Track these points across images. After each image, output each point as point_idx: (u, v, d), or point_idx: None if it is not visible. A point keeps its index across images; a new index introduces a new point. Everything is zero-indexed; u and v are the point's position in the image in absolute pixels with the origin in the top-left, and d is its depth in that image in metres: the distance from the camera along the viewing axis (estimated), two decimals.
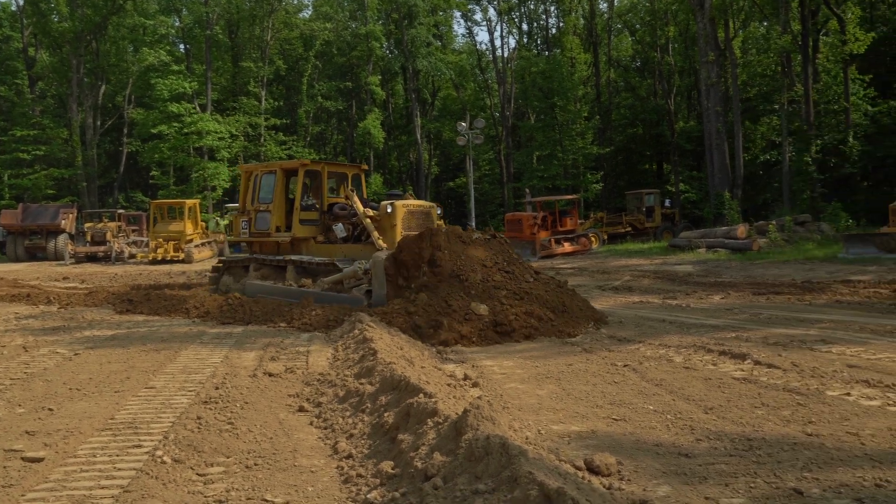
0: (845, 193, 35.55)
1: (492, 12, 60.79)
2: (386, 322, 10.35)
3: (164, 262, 31.88)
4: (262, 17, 55.49)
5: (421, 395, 5.25)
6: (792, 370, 7.50)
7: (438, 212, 15.13)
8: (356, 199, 14.47)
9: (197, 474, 4.83)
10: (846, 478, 4.42)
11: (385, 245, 13.46)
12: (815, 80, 37.03)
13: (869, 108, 37.66)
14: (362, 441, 5.34)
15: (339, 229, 14.62)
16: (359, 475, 4.67)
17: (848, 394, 6.51)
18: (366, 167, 17.34)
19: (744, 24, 47.97)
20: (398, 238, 13.32)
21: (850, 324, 10.56)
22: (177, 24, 57.42)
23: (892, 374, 7.18)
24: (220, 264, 17.11)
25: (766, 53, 46.27)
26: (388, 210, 14.09)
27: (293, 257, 14.84)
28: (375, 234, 13.74)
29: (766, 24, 46.77)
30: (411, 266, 11.65)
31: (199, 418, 6.09)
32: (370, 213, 14.24)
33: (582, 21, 57.19)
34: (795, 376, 7.25)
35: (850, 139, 35.81)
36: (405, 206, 14.25)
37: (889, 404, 6.13)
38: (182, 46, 60.40)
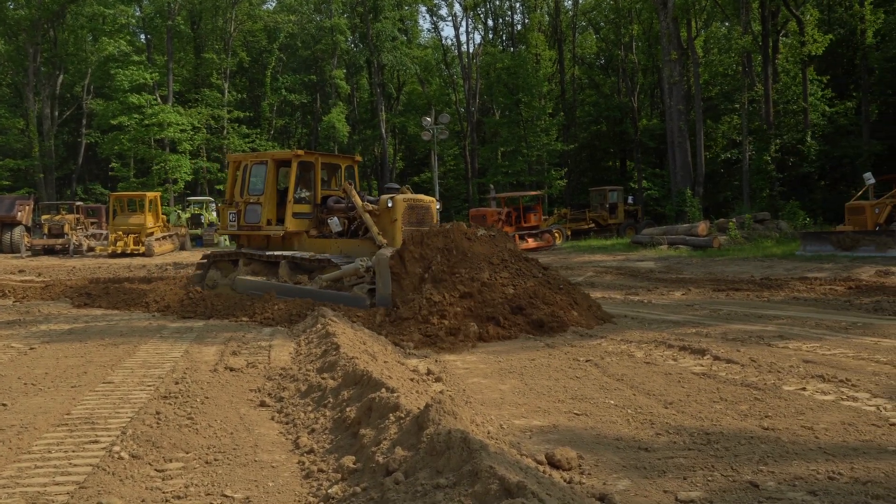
0: (803, 192, 36.21)
1: (457, 8, 60.99)
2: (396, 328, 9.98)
3: (123, 255, 31.39)
4: (226, 9, 54.79)
5: (383, 390, 5.24)
6: (750, 365, 7.62)
7: (438, 206, 14.49)
8: (354, 192, 13.81)
9: (155, 470, 4.77)
10: (801, 471, 4.51)
11: (385, 241, 12.79)
12: (774, 81, 37.64)
13: (826, 108, 38.39)
14: (324, 436, 5.31)
15: (335, 223, 13.92)
16: (320, 470, 4.65)
17: (803, 388, 6.63)
18: (359, 158, 16.66)
19: (706, 24, 48.64)
20: (399, 234, 12.86)
21: (806, 320, 10.77)
22: (138, 13, 56.44)
23: (846, 370, 7.33)
24: (206, 258, 16.34)
25: (727, 53, 47.00)
26: (389, 204, 13.30)
27: (287, 253, 14.13)
28: (375, 229, 12.99)
29: (727, 24, 47.46)
30: (418, 265, 11.16)
31: (158, 413, 6.00)
32: (369, 207, 13.49)
33: (547, 18, 57.49)
34: (753, 371, 7.36)
35: (808, 139, 36.47)
36: (406, 201, 13.48)
37: (843, 399, 6.25)
38: (143, 37, 59.44)
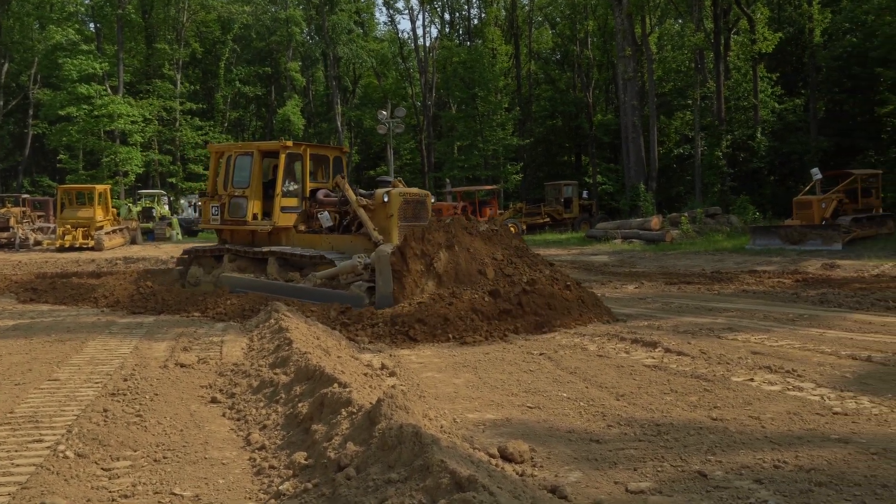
0: (753, 187, 36.89)
1: (414, 1, 60.57)
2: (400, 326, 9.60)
3: (72, 249, 30.67)
4: None
5: (335, 385, 5.21)
6: (700, 357, 7.74)
7: (432, 200, 13.90)
8: (347, 185, 13.12)
9: (102, 469, 4.66)
10: (747, 460, 4.59)
11: (381, 237, 12.16)
12: (726, 77, 38.27)
13: (776, 105, 39.20)
14: (276, 432, 5.26)
15: (325, 218, 13.29)
16: (271, 466, 4.60)
17: (751, 379, 6.76)
18: (346, 150, 15.99)
19: (660, 21, 49.24)
20: (395, 229, 12.42)
21: (755, 312, 10.99)
22: (86, 1, 55.18)
23: (793, 361, 7.49)
24: (187, 254, 15.56)
25: (680, 50, 47.62)
26: (385, 199, 12.69)
27: (276, 248, 13.52)
28: (371, 225, 12.35)
29: (680, 21, 48.09)
30: (420, 262, 10.70)
31: (105, 411, 5.87)
32: (363, 201, 12.82)
33: (503, 13, 57.60)
34: (703, 363, 7.49)
35: (758, 135, 37.19)
36: (402, 195, 12.88)
37: (789, 389, 6.39)
38: (92, 25, 58.04)
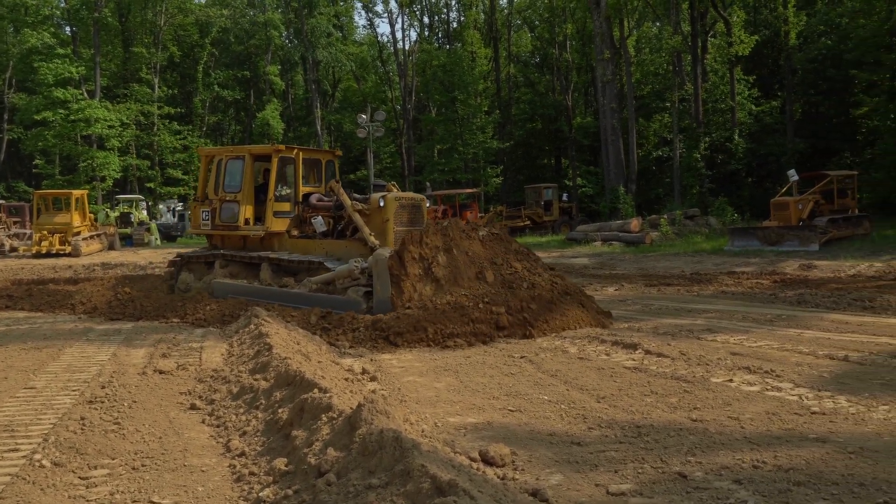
0: (731, 189, 37.19)
1: (393, 4, 60.98)
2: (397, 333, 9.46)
3: (49, 255, 30.35)
4: (155, 1, 53.49)
5: (315, 391, 5.18)
6: (680, 359, 7.78)
7: (427, 205, 13.64)
8: (341, 189, 12.87)
9: (79, 478, 4.61)
10: (727, 460, 4.62)
11: (378, 242, 11.90)
12: (703, 80, 38.57)
13: (753, 107, 39.57)
14: (256, 438, 5.23)
15: (319, 223, 13.02)
16: (251, 473, 4.57)
17: (731, 380, 6.81)
18: (339, 152, 15.63)
19: (638, 24, 49.57)
20: (391, 234, 12.14)
21: (733, 313, 11.07)
22: (62, 4, 54.65)
23: (771, 361, 7.55)
24: (178, 259, 15.14)
25: (658, 53, 48.00)
26: (381, 203, 12.39)
27: (269, 254, 13.21)
28: (367, 230, 12.08)
29: (658, 24, 48.46)
30: (418, 266, 10.49)
31: (82, 419, 5.81)
32: (358, 206, 12.54)
33: (482, 16, 57.74)
34: (683, 364, 7.53)
35: (736, 137, 37.51)
36: (398, 199, 12.63)
37: (767, 389, 6.44)
38: (68, 29, 57.51)
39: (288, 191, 14.18)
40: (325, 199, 13.74)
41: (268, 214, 13.54)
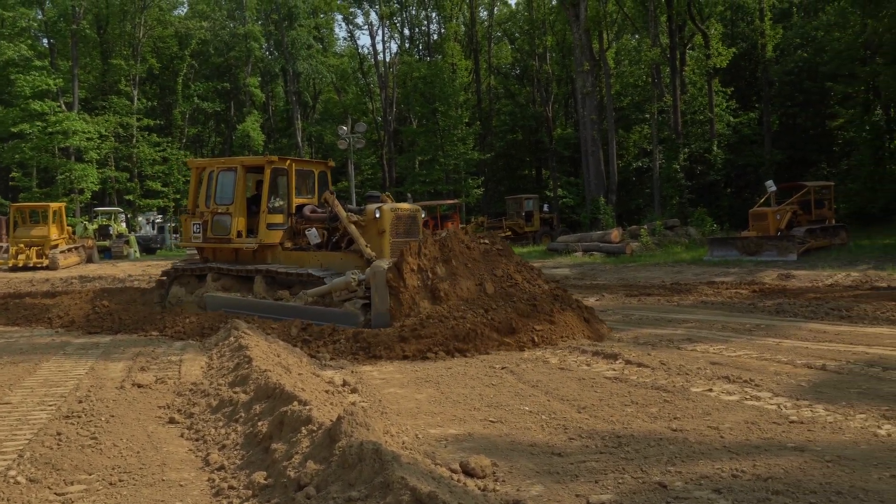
0: (710, 199, 37.55)
1: (373, 16, 60.97)
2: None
3: (26, 268, 30.03)
4: (134, 13, 53.28)
5: (295, 403, 5.15)
6: (660, 368, 7.82)
7: (423, 215, 13.46)
8: (336, 201, 12.63)
9: (55, 494, 4.55)
10: (706, 470, 4.64)
11: (374, 254, 11.69)
12: (682, 92, 38.96)
13: (731, 119, 40.01)
14: (235, 452, 5.18)
15: (313, 235, 12.76)
16: (230, 487, 4.53)
17: (710, 390, 6.84)
18: (332, 163, 15.34)
19: (617, 36, 50.00)
20: (387, 246, 12.01)
21: (713, 323, 11.13)
22: (39, 16, 54.27)
23: (750, 370, 7.61)
24: (167, 273, 14.76)
25: (637, 65, 48.39)
26: (377, 215, 12.23)
27: (264, 266, 12.94)
28: (363, 241, 11.87)
29: (637, 36, 48.88)
30: (416, 277, 10.34)
31: (59, 434, 5.74)
32: (354, 217, 12.32)
33: (463, 28, 58.04)
34: (663, 374, 7.56)
35: (715, 148, 37.88)
36: (393, 211, 12.44)
37: (746, 399, 6.48)
38: (45, 41, 57.11)
39: (281, 202, 13.90)
40: (319, 210, 13.54)
41: (261, 226, 13.28)
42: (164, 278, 14.79)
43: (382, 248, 12.02)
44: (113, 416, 6.38)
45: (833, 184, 28.46)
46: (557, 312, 10.24)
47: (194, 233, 14.08)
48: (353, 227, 12.11)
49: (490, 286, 10.48)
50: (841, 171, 37.87)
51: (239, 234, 13.47)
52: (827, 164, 40.89)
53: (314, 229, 12.91)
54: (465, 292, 10.34)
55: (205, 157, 63.00)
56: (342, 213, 12.31)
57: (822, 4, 41.57)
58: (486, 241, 11.45)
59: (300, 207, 13.71)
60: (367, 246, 11.80)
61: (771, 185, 24.85)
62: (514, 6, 63.07)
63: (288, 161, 13.80)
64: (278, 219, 13.60)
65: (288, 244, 13.45)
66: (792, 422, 5.69)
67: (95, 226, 40.49)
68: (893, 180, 32.17)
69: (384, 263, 10.64)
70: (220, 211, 13.70)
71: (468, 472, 4.63)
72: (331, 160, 15.61)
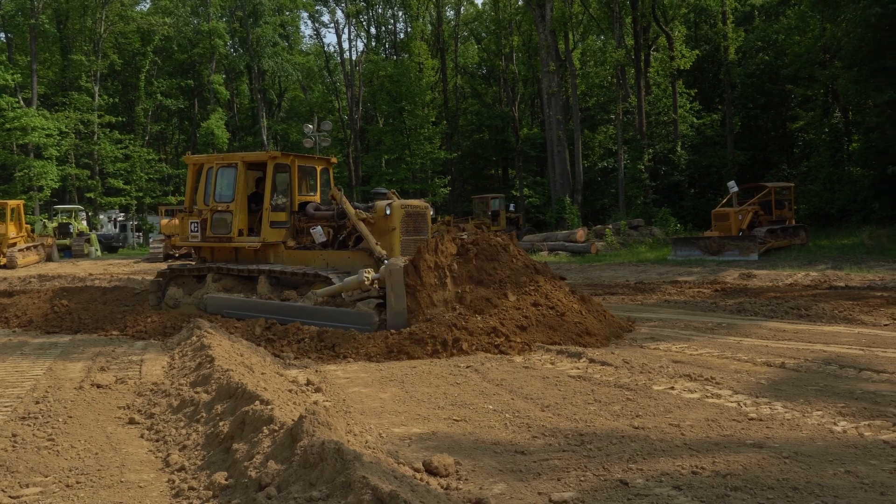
0: (674, 199, 37.98)
1: (339, 14, 60.60)
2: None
3: None
4: (95, 8, 52.39)
5: (257, 403, 5.10)
6: (623, 367, 7.88)
7: (431, 213, 13.10)
8: (344, 198, 12.24)
9: (9, 497, 4.46)
10: (667, 467, 4.69)
11: (384, 252, 11.36)
12: (646, 93, 39.34)
13: (694, 120, 40.52)
14: (196, 452, 5.12)
15: (318, 233, 12.39)
16: (191, 488, 4.48)
17: (672, 388, 6.92)
18: (335, 160, 14.94)
19: (582, 37, 50.34)
20: (397, 244, 11.71)
21: (676, 322, 11.26)
22: None
23: (712, 368, 7.71)
24: (164, 273, 14.13)
25: (602, 66, 48.79)
26: (387, 212, 11.87)
27: (269, 266, 12.45)
28: (373, 239, 11.53)
29: (602, 38, 49.26)
30: (433, 275, 10.05)
31: (14, 436, 5.63)
32: (363, 215, 11.97)
33: (429, 27, 58.03)
34: (626, 372, 7.62)
35: (679, 149, 38.33)
36: (403, 207, 12.09)
37: (707, 396, 6.56)
38: (3, 35, 56.00)
39: (283, 200, 13.44)
40: (323, 207, 13.18)
41: (264, 225, 12.80)
42: (160, 279, 14.16)
43: (392, 245, 11.71)
44: (71, 417, 6.28)
45: (793, 185, 28.95)
46: (575, 310, 10.14)
47: (192, 231, 13.51)
48: (362, 224, 11.78)
49: (510, 287, 10.18)
50: (801, 173, 38.55)
51: (240, 233, 12.99)
52: (787, 166, 41.59)
53: (319, 227, 12.53)
54: (483, 291, 10.08)
55: (165, 154, 62.31)
56: (351, 210, 11.95)
57: (783, 8, 42.24)
58: (502, 239, 11.13)
59: (303, 205, 13.29)
60: (377, 244, 11.49)
61: (733, 186, 25.22)
62: (480, 6, 63.29)
63: (291, 157, 13.40)
64: (281, 217, 13.18)
65: (291, 243, 13.02)
66: (751, 419, 5.77)
67: (55, 224, 39.78)
68: (851, 182, 32.84)
69: (400, 261, 10.29)
70: (219, 209, 13.17)
71: (431, 471, 4.63)
72: (333, 157, 15.22)
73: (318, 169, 14.14)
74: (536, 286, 10.42)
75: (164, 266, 16.62)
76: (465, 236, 10.96)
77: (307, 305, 11.15)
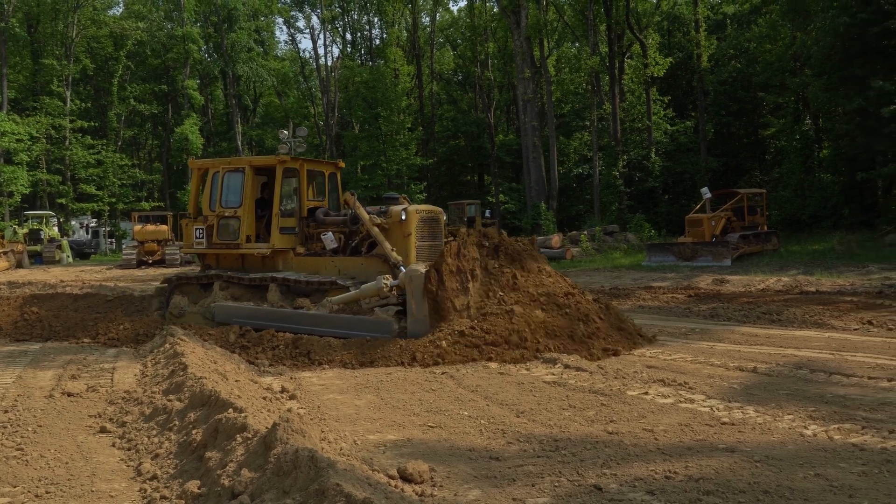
0: (648, 205, 38.30)
1: (315, 20, 60.52)
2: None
3: None
4: (66, 12, 51.82)
5: (231, 410, 5.07)
6: (598, 372, 7.92)
7: (444, 218, 12.79)
8: (358, 203, 11.82)
9: None
10: (641, 472, 4.72)
11: (400, 258, 10.96)
12: (621, 100, 39.68)
13: (668, 126, 40.93)
14: (168, 461, 5.08)
15: (329, 239, 12.00)
16: (163, 497, 4.44)
17: (646, 393, 6.96)
18: (342, 164, 14.59)
19: (557, 44, 50.65)
20: (412, 250, 11.33)
21: (650, 327, 11.31)
22: None
23: (685, 373, 7.77)
24: (167, 282, 13.63)
25: (577, 73, 49.09)
26: (403, 217, 11.45)
27: (280, 274, 12.01)
28: (388, 245, 11.11)
29: (577, 45, 49.58)
30: (455, 280, 9.78)
31: None
32: (377, 220, 11.53)
33: (405, 33, 58.07)
34: (601, 378, 7.66)
35: (653, 155, 38.69)
36: (419, 213, 11.78)
37: (681, 401, 6.61)
38: None
39: (292, 205, 13.02)
40: (333, 213, 12.87)
41: (273, 231, 12.37)
42: (165, 287, 13.62)
43: (408, 251, 11.32)
44: (41, 426, 6.21)
45: (765, 191, 29.33)
46: (597, 316, 10.02)
47: (197, 238, 12.96)
48: (376, 230, 11.38)
49: (534, 290, 10.03)
50: (773, 179, 39.06)
51: (248, 239, 12.56)
52: (759, 172, 42.14)
53: (330, 233, 12.15)
54: (508, 298, 9.85)
55: (138, 160, 61.69)
56: (365, 215, 11.54)
57: (755, 17, 42.82)
58: (524, 244, 10.98)
59: (312, 210, 12.92)
60: (393, 250, 11.10)
61: (706, 192, 25.46)
62: (455, 13, 63.54)
63: (300, 161, 13.00)
64: (290, 222, 12.74)
65: (300, 249, 12.57)
66: (724, 423, 5.83)
67: (26, 230, 39.23)
68: (822, 188, 33.30)
69: (421, 267, 10.09)
70: (227, 214, 12.70)
71: (406, 478, 4.62)
72: (341, 161, 14.92)
73: (327, 173, 13.75)
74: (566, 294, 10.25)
75: (139, 272, 16.38)
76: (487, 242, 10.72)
77: (322, 314, 10.85)
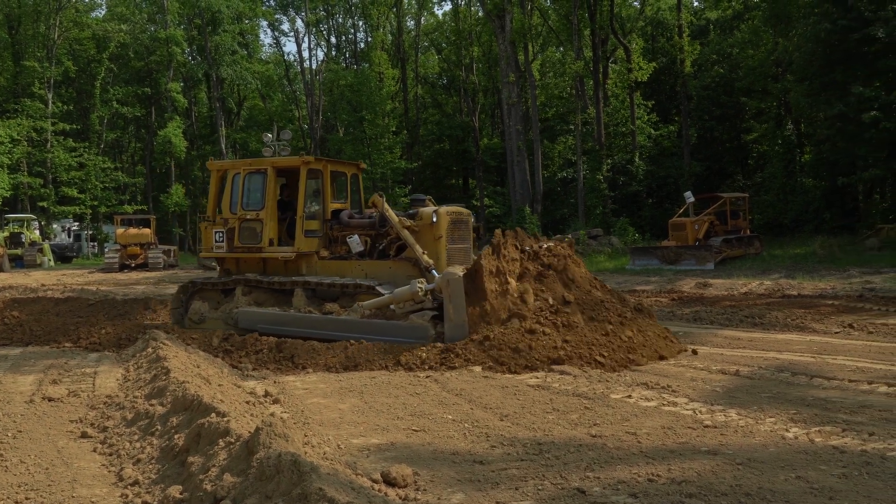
0: (632, 209, 38.44)
1: (299, 23, 60.21)
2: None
3: None
4: (48, 14, 51.44)
5: (213, 415, 5.04)
6: (581, 376, 7.95)
7: (472, 220, 12.42)
8: (386, 205, 11.49)
9: None
10: (624, 475, 4.73)
11: (431, 261, 10.74)
12: (605, 104, 39.83)
13: (652, 131, 41.13)
14: (150, 466, 5.05)
15: (355, 242, 11.71)
16: (144, 502, 4.41)
17: (629, 396, 6.99)
18: (364, 165, 14.20)
19: (542, 48, 50.80)
20: (444, 253, 11.05)
21: None
22: None
23: (668, 377, 7.81)
24: (186, 286, 13.14)
25: (561, 77, 49.25)
26: (434, 219, 11.12)
27: (307, 278, 11.65)
28: (419, 248, 10.83)
29: (561, 49, 49.76)
30: (494, 281, 9.55)
31: None
32: (407, 222, 11.22)
33: (390, 37, 58.04)
34: (584, 381, 7.69)
35: (637, 159, 38.86)
36: (450, 214, 11.41)
37: (664, 404, 6.64)
38: None
39: (316, 207, 12.64)
40: (357, 215, 12.61)
41: (298, 234, 11.99)
42: (182, 293, 13.12)
43: (439, 254, 11.04)
44: (21, 432, 6.15)
45: (748, 195, 29.53)
46: (638, 325, 9.73)
47: (217, 241, 12.54)
48: (406, 232, 11.07)
49: (571, 296, 9.73)
50: (755, 183, 39.31)
51: (271, 243, 12.18)
52: (742, 176, 42.41)
53: (356, 236, 11.86)
54: (546, 302, 9.59)
55: (121, 163, 61.28)
56: (394, 217, 11.25)
57: (737, 23, 43.14)
58: (563, 246, 10.73)
59: (336, 213, 12.58)
60: (424, 253, 10.85)
61: (689, 196, 25.61)
62: (440, 17, 63.55)
63: (323, 162, 12.71)
64: (314, 225, 12.39)
65: (324, 253, 12.21)
66: (706, 426, 5.86)
67: (6, 233, 38.87)
68: (804, 192, 33.59)
69: (458, 270, 9.75)
70: (248, 217, 12.32)
71: (389, 482, 4.62)
72: (362, 162, 14.48)
73: (349, 175, 13.36)
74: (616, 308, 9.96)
75: (121, 276, 16.24)
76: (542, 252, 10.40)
77: (354, 319, 10.51)
